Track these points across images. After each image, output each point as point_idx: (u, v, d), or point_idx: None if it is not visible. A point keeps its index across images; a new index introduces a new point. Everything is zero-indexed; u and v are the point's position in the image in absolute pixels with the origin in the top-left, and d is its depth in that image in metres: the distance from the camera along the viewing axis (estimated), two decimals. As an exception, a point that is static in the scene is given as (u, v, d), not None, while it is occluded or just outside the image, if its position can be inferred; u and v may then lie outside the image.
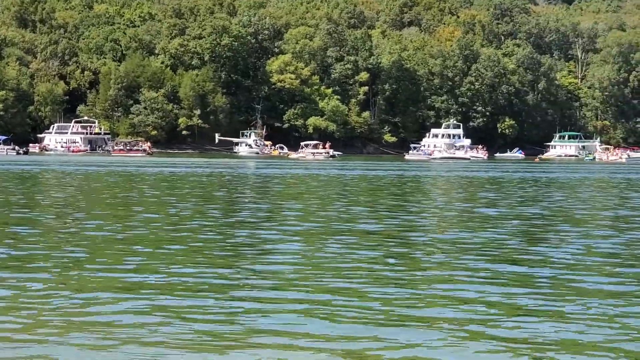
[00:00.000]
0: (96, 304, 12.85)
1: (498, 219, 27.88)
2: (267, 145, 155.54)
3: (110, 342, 10.69)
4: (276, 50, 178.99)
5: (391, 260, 17.55)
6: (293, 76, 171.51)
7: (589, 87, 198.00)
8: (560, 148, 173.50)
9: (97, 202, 33.83)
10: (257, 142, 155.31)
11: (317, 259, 17.67)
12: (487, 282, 15.13)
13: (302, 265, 16.82)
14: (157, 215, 27.46)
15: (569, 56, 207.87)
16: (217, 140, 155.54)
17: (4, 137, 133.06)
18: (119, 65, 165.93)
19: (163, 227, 23.89)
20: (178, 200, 34.96)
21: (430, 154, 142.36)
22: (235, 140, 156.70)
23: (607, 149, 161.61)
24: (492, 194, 42.65)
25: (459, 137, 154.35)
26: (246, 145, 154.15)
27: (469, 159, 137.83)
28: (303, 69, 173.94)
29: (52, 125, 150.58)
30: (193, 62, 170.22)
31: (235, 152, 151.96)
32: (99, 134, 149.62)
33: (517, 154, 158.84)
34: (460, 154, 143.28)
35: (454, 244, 20.60)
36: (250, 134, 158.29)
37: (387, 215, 28.46)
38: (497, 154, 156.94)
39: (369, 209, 31.72)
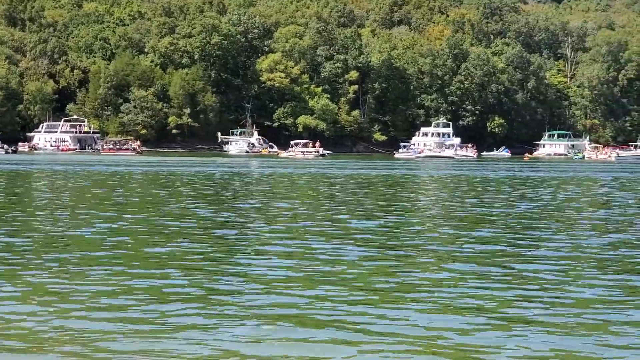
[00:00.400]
0: (82, 308, 12.77)
1: (483, 219, 27.86)
2: (269, 144, 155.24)
3: (96, 349, 10.62)
4: (266, 49, 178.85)
5: (379, 263, 17.51)
6: (283, 75, 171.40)
7: (578, 86, 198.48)
8: (550, 147, 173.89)
9: (83, 202, 33.67)
10: (260, 141, 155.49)
11: (306, 260, 17.62)
12: (473, 286, 15.11)
13: (291, 267, 16.76)
14: (158, 216, 27.38)
15: (558, 55, 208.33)
16: (219, 140, 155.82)
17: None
18: (108, 64, 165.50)
19: (153, 228, 23.81)
20: (177, 201, 34.86)
21: (420, 153, 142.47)
22: (230, 138, 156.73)
23: (596, 147, 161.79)
24: (479, 194, 42.65)
25: (449, 136, 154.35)
26: (249, 144, 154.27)
27: (454, 157, 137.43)
28: (293, 67, 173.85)
29: (42, 124, 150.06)
30: (183, 61, 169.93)
31: (226, 151, 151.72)
32: (89, 132, 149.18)
33: (503, 152, 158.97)
34: (449, 152, 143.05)
35: (440, 245, 20.57)
36: (253, 133, 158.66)
37: (368, 216, 28.41)
38: (484, 153, 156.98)
39: (353, 208, 31.67)
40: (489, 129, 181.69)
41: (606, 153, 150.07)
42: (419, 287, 14.88)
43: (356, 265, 17.07)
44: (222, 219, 26.61)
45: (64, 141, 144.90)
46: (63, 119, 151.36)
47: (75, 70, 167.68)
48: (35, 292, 13.92)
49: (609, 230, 24.90)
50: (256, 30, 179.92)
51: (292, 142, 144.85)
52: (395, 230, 23.95)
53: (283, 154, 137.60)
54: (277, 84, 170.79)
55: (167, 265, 16.68)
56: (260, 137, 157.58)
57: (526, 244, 21.04)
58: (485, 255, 18.75)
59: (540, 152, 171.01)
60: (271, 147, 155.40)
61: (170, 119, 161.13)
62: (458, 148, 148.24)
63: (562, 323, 12.22)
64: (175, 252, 18.53)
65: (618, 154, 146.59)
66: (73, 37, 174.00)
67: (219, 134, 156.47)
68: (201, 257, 17.98)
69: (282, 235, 22.05)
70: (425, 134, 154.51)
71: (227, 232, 22.90)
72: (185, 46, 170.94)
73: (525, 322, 12.23)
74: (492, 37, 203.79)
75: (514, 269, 16.92)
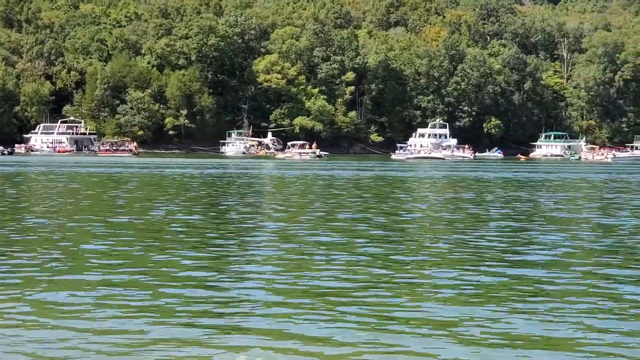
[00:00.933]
0: (78, 309, 12.59)
1: (474, 222, 27.70)
2: (299, 146, 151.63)
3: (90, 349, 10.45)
4: (262, 50, 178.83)
5: (374, 263, 17.33)
6: (279, 76, 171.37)
7: (575, 87, 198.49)
8: (546, 148, 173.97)
9: (80, 204, 33.47)
10: (274, 142, 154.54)
11: (301, 261, 17.44)
12: (466, 289, 14.94)
13: (286, 267, 16.57)
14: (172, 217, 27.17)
15: (555, 56, 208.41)
16: (233, 139, 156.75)
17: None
18: (105, 66, 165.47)
19: (157, 229, 23.61)
20: (174, 204, 34.68)
21: (417, 154, 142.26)
22: (243, 139, 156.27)
23: (593, 148, 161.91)
24: (473, 196, 42.51)
25: (445, 137, 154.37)
26: (263, 145, 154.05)
27: (444, 158, 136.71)
28: (289, 68, 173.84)
29: (38, 126, 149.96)
30: (179, 62, 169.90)
31: (222, 152, 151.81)
32: (85, 134, 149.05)
33: (495, 153, 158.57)
34: (440, 154, 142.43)
35: (435, 246, 20.40)
36: (267, 134, 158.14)
37: (362, 220, 28.23)
38: (477, 154, 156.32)
39: (348, 211, 31.52)
40: (485, 130, 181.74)
41: (602, 154, 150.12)
42: (414, 295, 14.70)
43: (351, 272, 16.87)
44: (217, 223, 26.42)
45: (61, 142, 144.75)
46: (60, 121, 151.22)
47: (71, 72, 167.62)
48: (22, 300, 13.72)
49: (607, 234, 24.73)
50: (253, 32, 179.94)
51: (288, 144, 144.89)
52: (389, 235, 23.79)
53: (280, 155, 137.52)
54: (274, 85, 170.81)
55: (156, 273, 16.49)
56: (274, 138, 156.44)
57: (521, 250, 20.87)
58: (480, 260, 18.57)
59: (536, 153, 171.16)
60: (267, 148, 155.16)
61: (167, 120, 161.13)
62: (455, 149, 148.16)
63: (562, 337, 12.06)
64: (166, 260, 18.33)
65: (614, 155, 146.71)
66: (70, 39, 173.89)
67: (234, 133, 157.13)
68: (193, 265, 17.77)
69: (275, 241, 21.86)
70: (422, 135, 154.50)
71: (224, 235, 22.69)
72: (182, 47, 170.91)
73: (526, 338, 12.05)
74: (488, 38, 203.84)
75: (509, 275, 16.74)
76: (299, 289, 14.93)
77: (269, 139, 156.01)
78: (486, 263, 18.06)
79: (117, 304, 13.32)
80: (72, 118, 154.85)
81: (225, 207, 32.92)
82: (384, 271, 16.83)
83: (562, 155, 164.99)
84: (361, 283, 15.46)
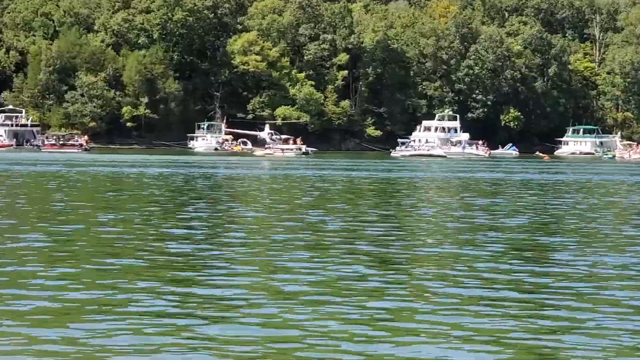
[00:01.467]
0: (32, 325, 12.94)
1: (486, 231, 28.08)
2: (282, 140, 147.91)
3: None
4: (239, 27, 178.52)
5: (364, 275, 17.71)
6: (259, 58, 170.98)
7: (608, 73, 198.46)
8: (574, 144, 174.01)
9: (21, 210, 33.68)
10: (272, 136, 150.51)
11: (282, 274, 17.81)
12: (468, 306, 15.32)
13: (266, 281, 16.95)
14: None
15: (585, 36, 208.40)
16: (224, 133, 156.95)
17: None
18: (50, 44, 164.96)
19: (124, 238, 23.92)
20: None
21: (418, 150, 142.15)
22: (255, 134, 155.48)
23: (629, 145, 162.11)
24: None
25: (455, 131, 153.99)
26: (265, 143, 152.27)
27: (445, 156, 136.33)
28: (270, 49, 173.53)
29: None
30: (139, 41, 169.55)
31: (191, 148, 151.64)
32: (27, 125, 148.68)
33: (510, 150, 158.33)
34: (453, 150, 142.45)
35: (436, 257, 20.78)
36: (265, 126, 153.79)
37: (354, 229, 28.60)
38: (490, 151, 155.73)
39: (338, 218, 31.86)
40: (502, 122, 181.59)
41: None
42: (413, 311, 15.08)
43: (342, 283, 17.25)
44: (195, 230, 26.77)
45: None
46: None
47: (11, 52, 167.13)
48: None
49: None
50: (227, 5, 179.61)
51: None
52: (389, 245, 24.16)
53: (259, 151, 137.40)
54: (252, 69, 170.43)
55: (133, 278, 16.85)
56: (272, 132, 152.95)
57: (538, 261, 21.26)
58: (487, 277, 18.96)
59: (562, 151, 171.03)
60: (244, 143, 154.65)
61: (124, 109, 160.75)
62: (466, 145, 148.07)
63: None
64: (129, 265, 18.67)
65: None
66: (9, 13, 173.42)
67: (223, 125, 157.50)
68: (167, 275, 18.13)
69: (256, 250, 22.20)
70: (428, 129, 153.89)
71: (205, 245, 23.04)
72: (143, 23, 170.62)
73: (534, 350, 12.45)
74: (506, 14, 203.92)
75: (522, 291, 17.14)
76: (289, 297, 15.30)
77: (266, 133, 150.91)
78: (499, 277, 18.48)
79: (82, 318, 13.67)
80: (11, 107, 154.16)
81: (199, 215, 33.23)
82: (384, 278, 17.23)
83: (592, 153, 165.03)
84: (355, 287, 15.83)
